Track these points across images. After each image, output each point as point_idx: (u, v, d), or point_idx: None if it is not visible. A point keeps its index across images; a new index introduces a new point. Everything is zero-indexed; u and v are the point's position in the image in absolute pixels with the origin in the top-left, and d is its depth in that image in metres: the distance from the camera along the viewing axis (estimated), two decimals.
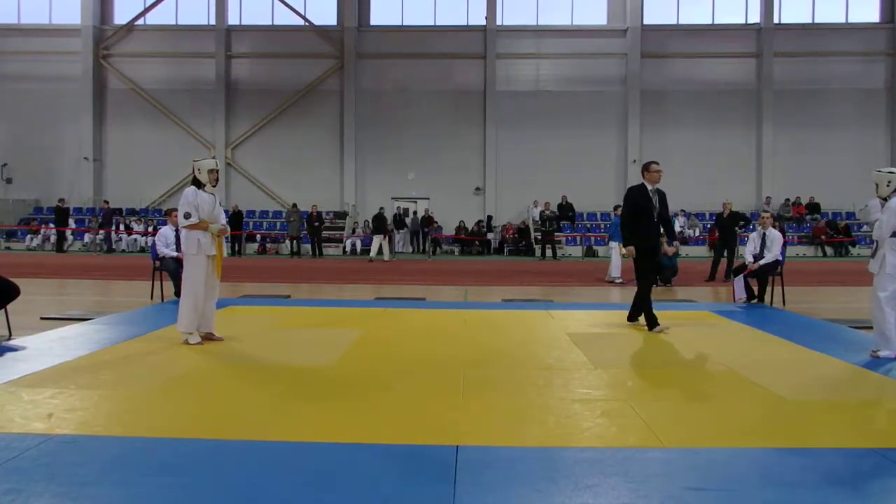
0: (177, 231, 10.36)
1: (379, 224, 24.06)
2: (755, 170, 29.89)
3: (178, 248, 10.37)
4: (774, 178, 29.55)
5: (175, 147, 29.90)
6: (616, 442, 4.11)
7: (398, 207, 28.51)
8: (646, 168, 8.51)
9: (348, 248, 28.27)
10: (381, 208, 25.11)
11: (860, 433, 4.31)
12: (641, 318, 8.62)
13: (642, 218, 8.30)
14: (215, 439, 4.09)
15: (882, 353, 6.49)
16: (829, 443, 4.08)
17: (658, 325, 8.23)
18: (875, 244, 6.79)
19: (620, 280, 14.69)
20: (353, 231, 29.22)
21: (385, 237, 23.92)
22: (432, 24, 30.57)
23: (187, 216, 7.06)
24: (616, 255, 15.00)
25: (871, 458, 3.79)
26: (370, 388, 5.42)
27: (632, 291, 12.59)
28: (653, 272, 8.55)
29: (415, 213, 28.94)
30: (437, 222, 28.55)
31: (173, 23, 31.08)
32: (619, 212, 15.85)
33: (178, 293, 9.77)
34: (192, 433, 4.23)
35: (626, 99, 29.84)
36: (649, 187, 8.40)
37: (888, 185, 6.62)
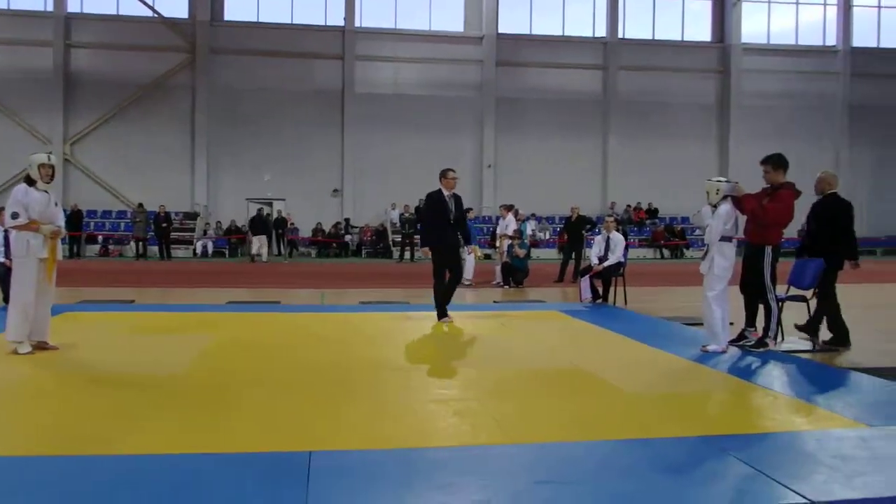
0: (6, 232, 9.55)
1: (259, 225, 24.40)
2: (601, 176, 31.47)
3: (6, 251, 9.56)
4: (618, 184, 31.21)
5: (4, 141, 27.56)
6: (469, 440, 4.18)
7: (259, 209, 27.70)
8: (443, 175, 9.17)
9: (199, 251, 27.21)
10: (260, 209, 25.57)
11: (692, 423, 4.63)
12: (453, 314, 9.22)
13: (439, 221, 9.00)
14: (49, 456, 3.80)
15: (710, 348, 7.01)
16: (666, 433, 4.33)
17: (447, 315, 9.08)
18: (706, 247, 7.33)
19: (469, 282, 14.94)
20: (205, 233, 28.15)
21: (269, 238, 24.73)
22: (290, 22, 29.99)
23: (15, 216, 6.52)
24: (469, 258, 15.25)
25: (701, 445, 4.07)
26: (221, 395, 5.23)
27: (487, 293, 12.90)
28: (449, 271, 9.20)
29: (268, 214, 28.22)
30: (292, 223, 28.02)
31: (5, 6, 28.69)
32: (471, 215, 16.24)
33: (6, 299, 9.00)
34: (22, 450, 3.91)
35: (481, 105, 30.54)
36: (446, 193, 9.08)
37: (717, 193, 7.16)
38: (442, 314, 9.15)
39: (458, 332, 8.58)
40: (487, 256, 20.01)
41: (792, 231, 29.45)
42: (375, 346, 7.50)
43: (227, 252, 27.73)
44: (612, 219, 12.23)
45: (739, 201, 7.09)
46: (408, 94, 30.21)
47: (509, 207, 16.08)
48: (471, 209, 16.83)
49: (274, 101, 29.28)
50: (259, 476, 3.54)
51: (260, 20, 29.89)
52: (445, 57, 30.49)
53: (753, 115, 31.68)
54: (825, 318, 7.55)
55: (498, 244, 15.75)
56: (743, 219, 7.20)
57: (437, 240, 9.07)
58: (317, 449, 3.92)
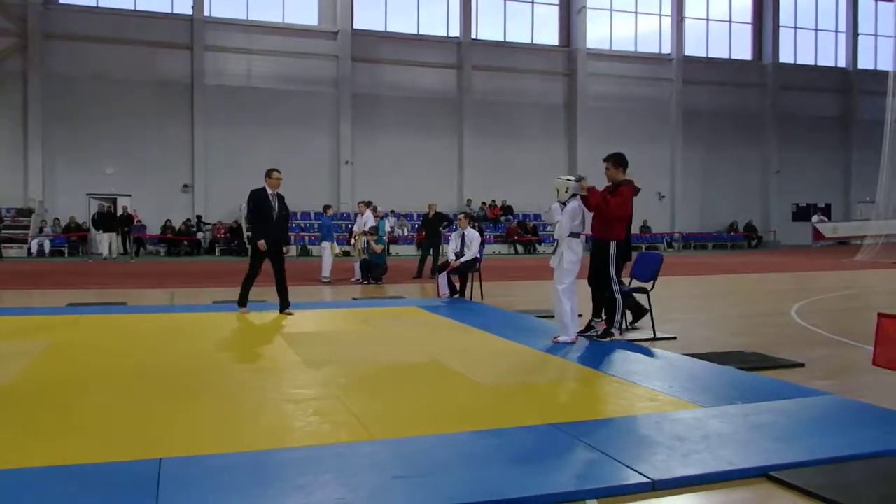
0: None
1: (107, 221, 23.67)
2: (458, 174, 32.02)
3: None
4: (474, 181, 31.88)
5: None
6: (328, 439, 4.14)
7: (101, 205, 26.03)
8: (268, 174, 9.58)
9: (35, 250, 25.26)
10: (106, 205, 24.69)
11: (543, 411, 4.80)
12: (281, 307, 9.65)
13: (265, 218, 9.44)
14: None
15: (561, 339, 7.30)
16: (520, 422, 4.47)
17: (245, 306, 9.55)
18: (556, 243, 7.62)
19: (327, 279, 14.81)
20: (41, 230, 26.14)
21: (118, 235, 24.26)
22: (133, 8, 28.38)
23: None
24: (327, 255, 15.11)
25: (551, 432, 4.23)
26: (59, 404, 4.88)
27: (345, 289, 12.86)
28: (277, 264, 9.60)
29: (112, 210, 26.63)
30: (139, 220, 26.57)
31: None
32: (329, 212, 16.09)
33: None
34: None
35: (338, 101, 30.23)
36: (269, 191, 9.48)
37: (566, 191, 7.46)
38: (243, 303, 9.59)
39: (316, 329, 8.47)
40: (346, 253, 19.87)
41: (635, 227, 31.38)
42: (229, 347, 7.27)
43: (66, 251, 25.92)
44: (463, 215, 12.46)
45: (585, 197, 7.42)
46: (262, 88, 29.40)
47: (367, 204, 16.05)
48: (329, 206, 16.66)
49: (117, 92, 27.59)
50: (103, 489, 3.33)
51: (100, 5, 28.09)
52: (300, 51, 29.92)
53: (598, 116, 33.32)
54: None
55: (354, 241, 15.69)
56: (590, 216, 7.54)
57: (263, 235, 9.39)
58: (168, 455, 3.74)
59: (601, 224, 7.47)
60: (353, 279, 15.01)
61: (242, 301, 9.59)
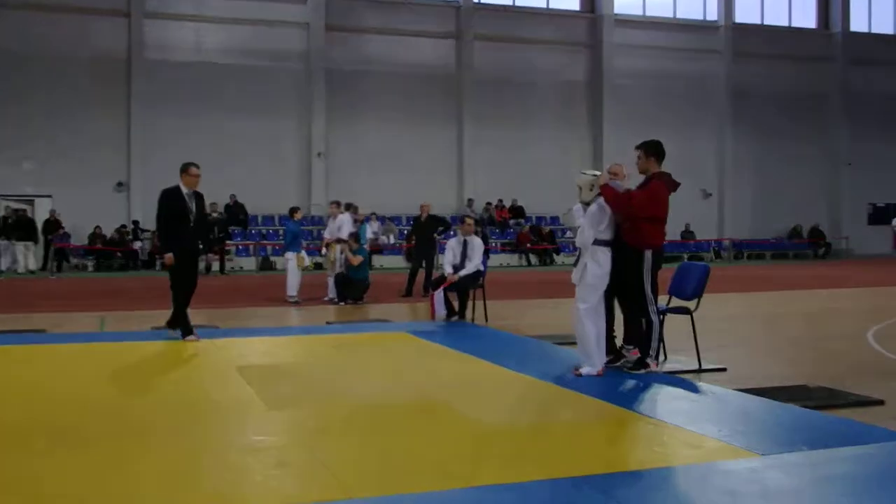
0: None
1: (19, 228, 23.85)
2: (457, 168, 31.95)
3: None
4: (477, 177, 31.82)
5: None
6: (294, 497, 4.12)
7: (7, 207, 25.93)
8: (185, 170, 9.63)
9: None
10: (20, 209, 24.89)
11: (564, 461, 4.77)
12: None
13: (180, 222, 9.48)
14: None
15: (584, 371, 7.24)
16: (533, 474, 4.44)
17: (192, 333, 9.51)
18: (578, 252, 7.58)
19: (294, 299, 14.69)
20: None
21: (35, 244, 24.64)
22: None
23: None
24: (293, 268, 14.94)
25: (572, 488, 4.20)
26: None
27: (317, 311, 12.88)
28: (189, 279, 9.65)
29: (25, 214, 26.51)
30: (63, 228, 26.51)
31: None
32: (297, 216, 15.99)
33: None
34: None
35: (309, 79, 30.19)
36: (185, 190, 9.57)
37: (591, 190, 7.40)
38: (186, 331, 9.52)
39: (279, 361, 8.44)
40: (317, 266, 19.86)
41: (675, 233, 31.20)
42: (172, 383, 7.24)
43: None
44: (470, 220, 12.38)
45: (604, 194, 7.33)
46: (215, 63, 29.32)
47: (348, 206, 16.02)
48: (297, 209, 16.60)
49: (36, 68, 27.47)
50: None
51: None
52: (262, 17, 29.84)
53: (628, 96, 33.30)
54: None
55: (325, 251, 15.63)
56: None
57: (178, 244, 9.43)
58: None
59: (631, 227, 7.37)
60: (325, 298, 14.97)
61: (185, 328, 9.55)
